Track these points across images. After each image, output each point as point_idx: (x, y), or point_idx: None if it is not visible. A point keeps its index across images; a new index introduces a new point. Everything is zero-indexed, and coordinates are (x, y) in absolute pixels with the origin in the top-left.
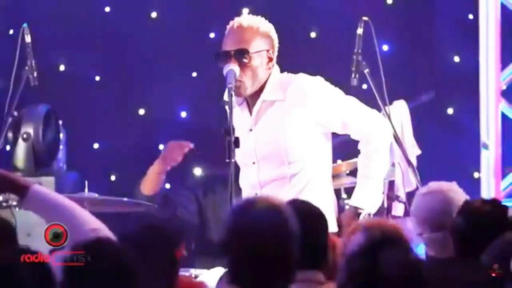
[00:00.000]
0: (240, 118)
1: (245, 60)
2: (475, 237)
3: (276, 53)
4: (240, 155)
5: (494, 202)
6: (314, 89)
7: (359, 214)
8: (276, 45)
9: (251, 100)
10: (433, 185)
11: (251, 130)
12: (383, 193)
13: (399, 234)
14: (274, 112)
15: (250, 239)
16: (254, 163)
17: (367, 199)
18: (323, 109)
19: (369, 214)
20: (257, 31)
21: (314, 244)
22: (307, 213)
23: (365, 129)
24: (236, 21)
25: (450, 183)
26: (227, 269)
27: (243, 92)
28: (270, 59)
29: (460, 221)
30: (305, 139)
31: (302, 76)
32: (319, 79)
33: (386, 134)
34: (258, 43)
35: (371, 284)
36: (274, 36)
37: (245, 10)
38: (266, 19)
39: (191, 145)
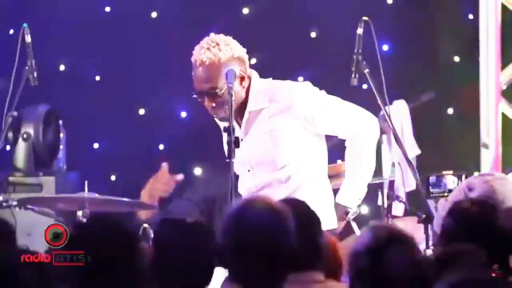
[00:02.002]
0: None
1: (218, 96)
2: (463, 238)
3: (247, 66)
4: (235, 165)
5: (483, 203)
6: (299, 98)
7: (347, 212)
8: (245, 59)
9: (238, 112)
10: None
11: (242, 140)
12: (383, 193)
13: (405, 234)
14: (262, 120)
15: (250, 239)
16: (249, 170)
17: (355, 198)
18: (309, 117)
19: (355, 212)
20: (219, 63)
21: (309, 244)
22: (299, 213)
23: (352, 130)
24: (197, 58)
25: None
26: (227, 269)
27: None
28: (243, 78)
29: (448, 222)
30: (295, 143)
31: (288, 83)
32: (305, 86)
33: (374, 133)
34: (225, 72)
35: (377, 283)
36: (240, 52)
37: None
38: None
39: (180, 177)
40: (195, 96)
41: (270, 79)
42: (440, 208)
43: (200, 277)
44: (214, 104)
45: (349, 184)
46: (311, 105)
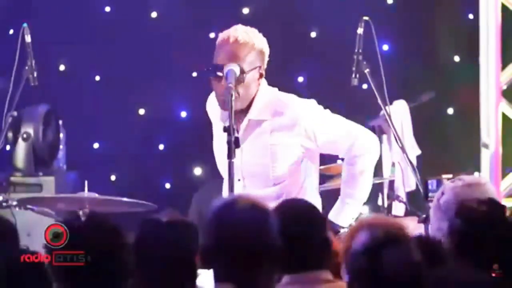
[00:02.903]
0: (224, 133)
1: (240, 79)
2: (472, 238)
3: (265, 68)
4: (225, 172)
5: (491, 203)
6: (303, 114)
7: (337, 232)
8: (267, 60)
9: (237, 117)
10: (469, 178)
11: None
12: (383, 193)
13: (403, 233)
14: (262, 133)
15: (231, 238)
16: (239, 180)
17: (348, 218)
18: (310, 132)
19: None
20: (252, 47)
21: (317, 243)
22: (306, 213)
23: (353, 151)
24: (231, 35)
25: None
26: (213, 268)
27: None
28: (261, 75)
29: (456, 222)
30: (292, 162)
31: (293, 99)
32: (310, 104)
33: (374, 154)
34: (253, 59)
35: (375, 283)
36: (267, 51)
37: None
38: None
39: None
40: (209, 70)
41: (276, 89)
42: (431, 212)
43: (184, 276)
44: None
45: (344, 203)
46: (315, 121)
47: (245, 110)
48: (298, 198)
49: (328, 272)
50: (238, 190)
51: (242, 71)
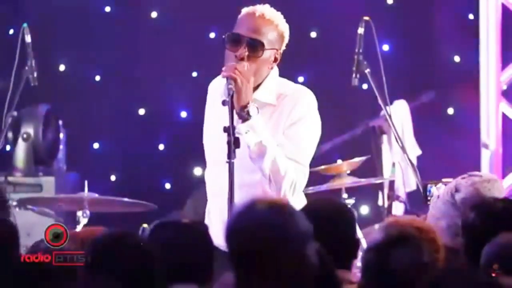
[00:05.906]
0: (223, 112)
1: (256, 52)
2: (486, 234)
3: (280, 55)
4: (215, 151)
5: (507, 201)
6: (304, 103)
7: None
8: (284, 47)
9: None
10: (483, 174)
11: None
12: (383, 193)
13: (418, 234)
14: (262, 115)
15: (253, 241)
16: (227, 162)
17: (245, 129)
18: (293, 120)
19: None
20: (276, 27)
21: (340, 243)
22: (338, 212)
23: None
24: (258, 9)
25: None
26: (232, 271)
27: None
28: (276, 60)
29: (472, 217)
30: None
31: (301, 86)
32: (313, 98)
33: (299, 187)
34: (273, 39)
35: (383, 281)
36: (287, 38)
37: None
38: None
39: None
40: (226, 36)
41: (285, 79)
42: (433, 208)
43: (199, 276)
44: (245, 56)
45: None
46: (305, 110)
47: (254, 89)
48: (334, 198)
49: (349, 273)
50: (225, 173)
51: (262, 47)
